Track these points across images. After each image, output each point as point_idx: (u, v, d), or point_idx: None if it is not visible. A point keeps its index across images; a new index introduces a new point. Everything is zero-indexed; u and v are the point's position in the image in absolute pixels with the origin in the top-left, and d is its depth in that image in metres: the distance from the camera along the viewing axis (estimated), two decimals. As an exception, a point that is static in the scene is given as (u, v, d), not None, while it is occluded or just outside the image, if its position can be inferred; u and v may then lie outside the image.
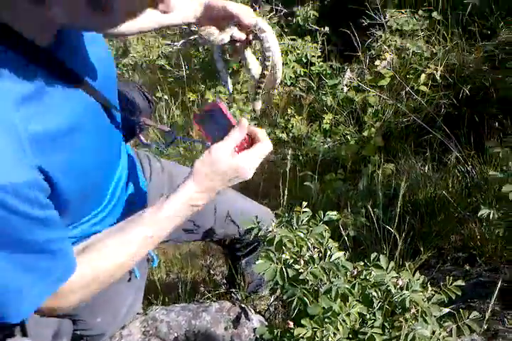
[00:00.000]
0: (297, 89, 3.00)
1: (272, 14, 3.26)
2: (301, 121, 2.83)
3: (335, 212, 1.03)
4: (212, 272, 2.00)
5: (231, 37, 0.96)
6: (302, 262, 0.92)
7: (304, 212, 1.02)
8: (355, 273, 0.96)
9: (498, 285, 1.16)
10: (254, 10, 3.12)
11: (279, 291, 0.95)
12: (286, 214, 1.05)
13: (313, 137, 2.72)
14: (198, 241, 1.94)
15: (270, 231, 0.96)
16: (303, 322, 0.87)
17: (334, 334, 0.85)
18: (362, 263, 0.98)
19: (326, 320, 0.86)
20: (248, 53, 1.02)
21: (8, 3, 0.63)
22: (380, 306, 0.91)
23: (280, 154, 2.74)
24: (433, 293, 0.93)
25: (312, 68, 2.99)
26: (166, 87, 3.21)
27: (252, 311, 1.48)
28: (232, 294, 1.70)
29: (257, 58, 1.02)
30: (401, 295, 0.89)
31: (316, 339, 0.85)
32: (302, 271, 0.90)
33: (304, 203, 1.02)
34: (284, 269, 0.91)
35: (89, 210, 0.97)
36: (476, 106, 2.41)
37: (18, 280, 0.72)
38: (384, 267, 0.95)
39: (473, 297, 1.59)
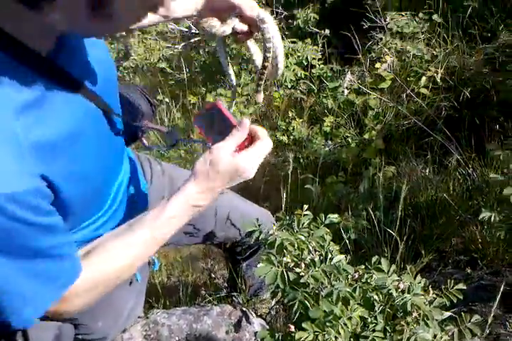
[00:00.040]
0: (298, 91, 3.00)
1: (272, 17, 3.26)
2: (301, 123, 2.83)
3: (336, 215, 1.03)
4: (213, 275, 2.00)
5: (233, 28, 0.95)
6: (303, 265, 0.92)
7: (304, 214, 1.02)
8: (357, 276, 0.95)
9: (501, 289, 1.15)
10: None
11: (280, 295, 0.94)
12: (287, 217, 1.05)
13: (314, 140, 2.72)
14: (198, 245, 1.93)
15: (271, 235, 0.96)
16: (304, 325, 0.86)
17: (336, 338, 0.85)
18: (363, 267, 0.98)
19: (327, 323, 0.86)
20: (251, 44, 1.01)
21: (9, 11, 0.63)
22: (381, 310, 0.91)
23: (281, 157, 2.74)
24: (434, 296, 0.93)
25: (313, 71, 2.99)
26: (166, 90, 3.21)
27: (253, 315, 1.48)
28: (234, 297, 1.70)
29: (261, 49, 1.01)
30: (402, 299, 0.89)
31: (318, 343, 0.85)
32: (303, 274, 0.90)
33: (305, 206, 1.02)
34: (285, 272, 0.91)
35: (91, 215, 0.97)
36: (477, 109, 2.41)
37: (22, 286, 0.72)
38: (385, 270, 0.95)
39: (474, 300, 1.58)
